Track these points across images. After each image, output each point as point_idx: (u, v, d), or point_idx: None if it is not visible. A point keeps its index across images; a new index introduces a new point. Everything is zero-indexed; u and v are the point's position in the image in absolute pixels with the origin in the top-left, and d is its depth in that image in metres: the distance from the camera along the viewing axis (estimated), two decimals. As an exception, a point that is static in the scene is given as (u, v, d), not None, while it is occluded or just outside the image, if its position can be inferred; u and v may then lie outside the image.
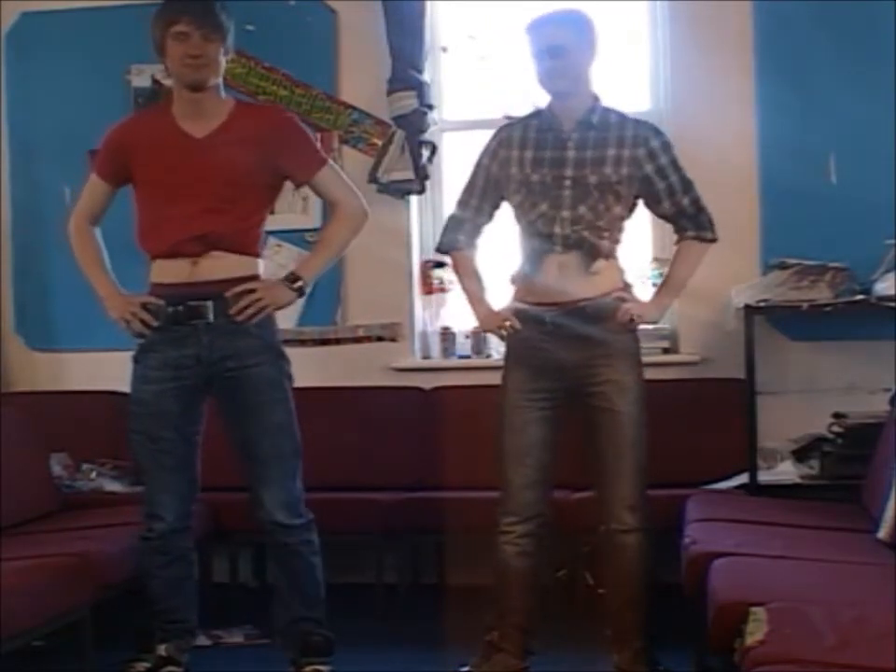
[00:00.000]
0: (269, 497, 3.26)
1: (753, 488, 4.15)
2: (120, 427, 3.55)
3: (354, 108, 4.92)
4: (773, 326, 4.53)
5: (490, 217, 3.45)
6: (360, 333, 4.94)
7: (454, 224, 3.47)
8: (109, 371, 4.28)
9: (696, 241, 3.37)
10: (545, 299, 3.29)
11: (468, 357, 4.88)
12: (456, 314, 4.87)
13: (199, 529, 3.69)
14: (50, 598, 3.26)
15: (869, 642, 2.23)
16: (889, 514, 3.23)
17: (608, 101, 3.36)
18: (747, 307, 4.23)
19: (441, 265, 4.79)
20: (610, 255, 3.31)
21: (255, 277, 3.29)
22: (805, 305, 4.20)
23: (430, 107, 4.80)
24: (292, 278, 3.30)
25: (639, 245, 4.56)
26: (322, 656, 3.33)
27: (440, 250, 3.57)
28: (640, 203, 3.38)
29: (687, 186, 3.34)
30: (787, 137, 4.53)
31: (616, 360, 3.28)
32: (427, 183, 4.83)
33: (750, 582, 2.73)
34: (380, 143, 4.83)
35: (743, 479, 4.20)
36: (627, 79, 4.79)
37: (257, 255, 3.33)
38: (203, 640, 3.80)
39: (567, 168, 3.25)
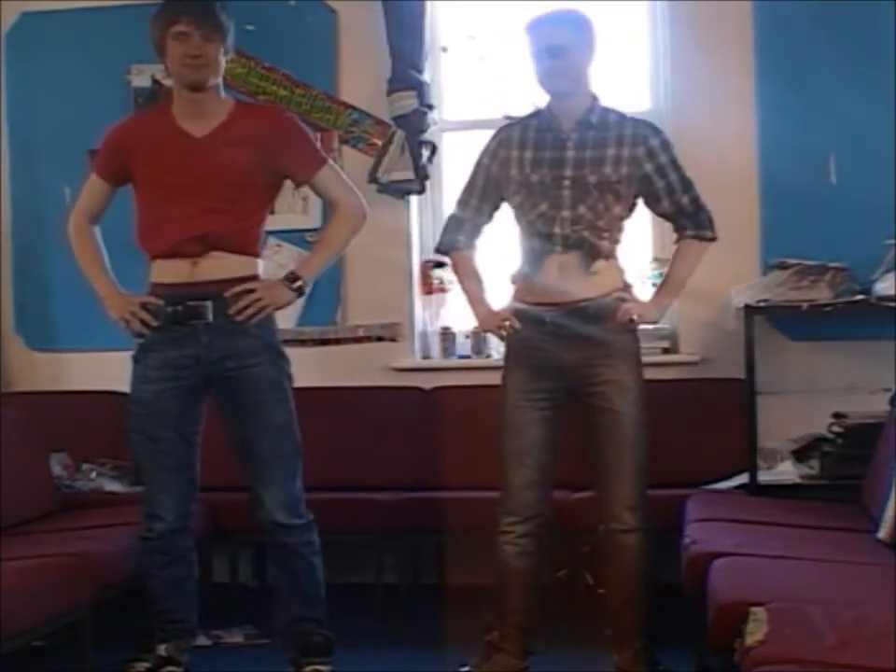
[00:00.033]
0: (269, 498, 3.26)
1: (753, 488, 4.15)
2: (120, 426, 3.55)
3: (354, 108, 4.92)
4: (773, 326, 4.52)
5: (490, 217, 3.45)
6: (360, 333, 4.94)
7: (453, 224, 3.47)
8: (109, 371, 4.28)
9: (696, 240, 3.36)
10: (545, 299, 3.29)
11: (468, 357, 4.88)
12: (456, 314, 4.86)
13: (199, 529, 3.69)
14: (50, 598, 3.26)
15: (869, 642, 2.22)
16: (888, 514, 3.23)
17: (607, 101, 3.36)
18: (747, 307, 4.23)
19: (440, 265, 4.78)
20: (610, 255, 3.31)
21: (254, 277, 3.29)
22: (805, 305, 4.20)
23: (430, 107, 4.79)
24: (292, 278, 3.29)
25: (639, 244, 4.56)
26: (322, 656, 3.33)
27: (439, 250, 3.56)
28: (640, 202, 3.38)
29: (686, 184, 3.33)
30: (787, 137, 4.53)
31: (616, 360, 3.27)
32: (427, 183, 4.83)
33: (750, 582, 2.73)
34: (380, 143, 4.83)
35: (743, 479, 4.20)
36: (627, 79, 4.79)
37: (256, 255, 3.33)
38: (203, 640, 3.79)
39: (566, 168, 3.25)
